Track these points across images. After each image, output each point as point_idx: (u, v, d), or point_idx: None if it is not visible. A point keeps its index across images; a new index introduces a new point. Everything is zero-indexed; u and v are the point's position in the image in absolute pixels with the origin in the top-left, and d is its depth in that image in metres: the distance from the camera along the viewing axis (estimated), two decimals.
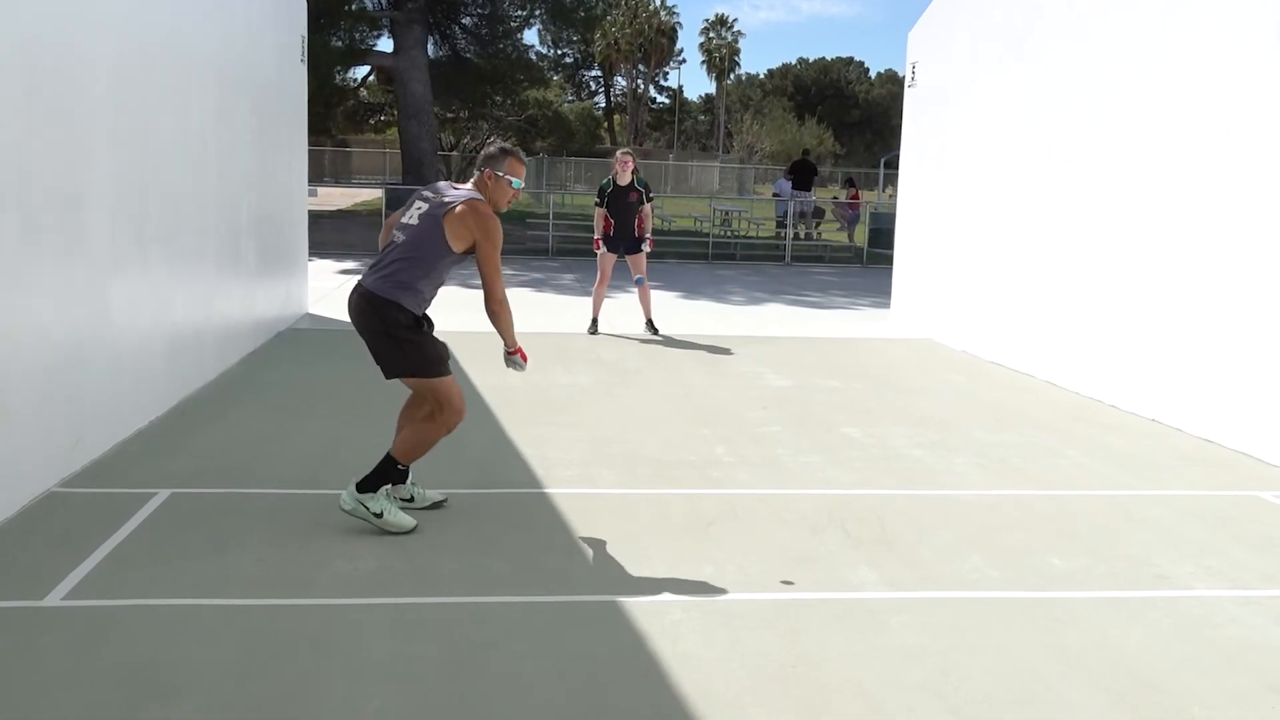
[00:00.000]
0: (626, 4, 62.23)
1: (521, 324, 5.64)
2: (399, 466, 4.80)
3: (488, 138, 44.40)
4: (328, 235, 21.38)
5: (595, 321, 11.21)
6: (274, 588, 4.16)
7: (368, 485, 4.72)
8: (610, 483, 5.69)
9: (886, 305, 13.21)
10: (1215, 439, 7.00)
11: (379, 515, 4.70)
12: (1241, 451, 6.74)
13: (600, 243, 10.99)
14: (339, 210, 30.06)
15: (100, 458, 5.79)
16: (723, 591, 4.26)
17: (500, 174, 4.88)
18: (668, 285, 11.06)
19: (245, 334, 9.06)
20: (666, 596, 4.19)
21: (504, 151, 4.95)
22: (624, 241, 10.92)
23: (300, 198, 11.65)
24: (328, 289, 14.25)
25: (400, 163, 31.55)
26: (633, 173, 10.89)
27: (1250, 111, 6.86)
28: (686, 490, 5.59)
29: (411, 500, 5.10)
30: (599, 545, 4.73)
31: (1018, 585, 4.44)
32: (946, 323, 11.14)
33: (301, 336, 10.38)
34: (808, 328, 12.03)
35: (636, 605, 4.09)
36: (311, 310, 12.09)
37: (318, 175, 39.59)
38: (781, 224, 23.91)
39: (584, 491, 5.50)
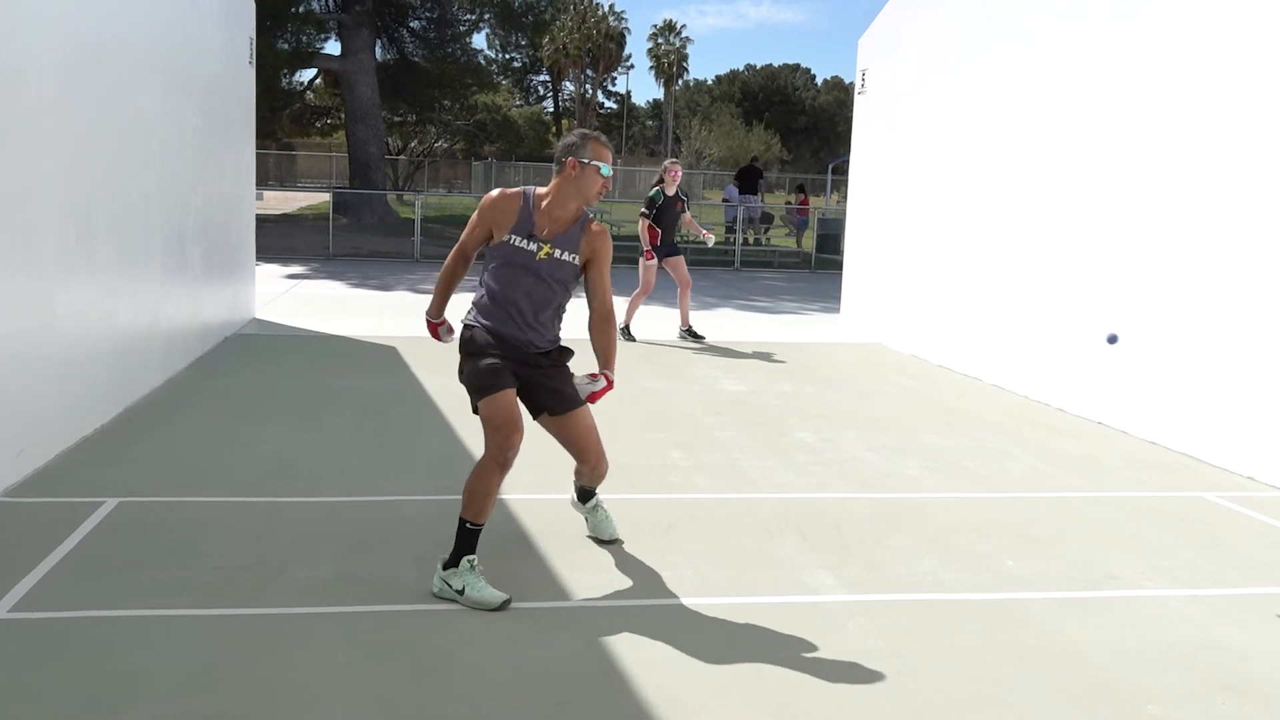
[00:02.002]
0: (575, 9, 62.23)
1: None
2: (469, 526, 4.16)
3: (435, 141, 44.27)
4: (273, 240, 21.14)
5: (628, 328, 11.11)
6: (227, 597, 4.09)
7: (451, 559, 4.17)
8: (568, 488, 5.66)
9: (835, 310, 13.32)
10: (1160, 441, 7.13)
11: (460, 592, 4.09)
12: (1185, 454, 6.87)
13: (651, 254, 10.96)
14: (284, 214, 29.75)
15: (45, 466, 5.68)
16: (682, 596, 4.26)
17: (585, 160, 4.26)
18: (618, 290, 11.10)
19: (192, 339, 8.93)
20: (626, 602, 4.19)
21: (585, 137, 4.34)
22: (665, 249, 10.99)
23: (248, 201, 11.51)
24: (275, 294, 14.09)
25: (347, 167, 31.26)
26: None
27: (1195, 117, 7.00)
28: (644, 495, 5.59)
29: (587, 524, 4.88)
30: (558, 551, 4.72)
31: (973, 587, 4.49)
32: (896, 327, 11.24)
33: (249, 342, 10.25)
34: (758, 332, 12.08)
35: (597, 611, 4.08)
36: (259, 315, 11.95)
37: (263, 179, 39.12)
38: (730, 229, 24.02)
39: (542, 497, 5.48)
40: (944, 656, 3.79)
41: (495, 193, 4.40)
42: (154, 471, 5.74)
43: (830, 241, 22.37)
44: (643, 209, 11.06)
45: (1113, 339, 4.68)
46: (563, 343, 4.53)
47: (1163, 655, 3.86)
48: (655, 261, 10.96)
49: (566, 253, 4.32)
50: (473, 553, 4.14)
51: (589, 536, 4.91)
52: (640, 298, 11.14)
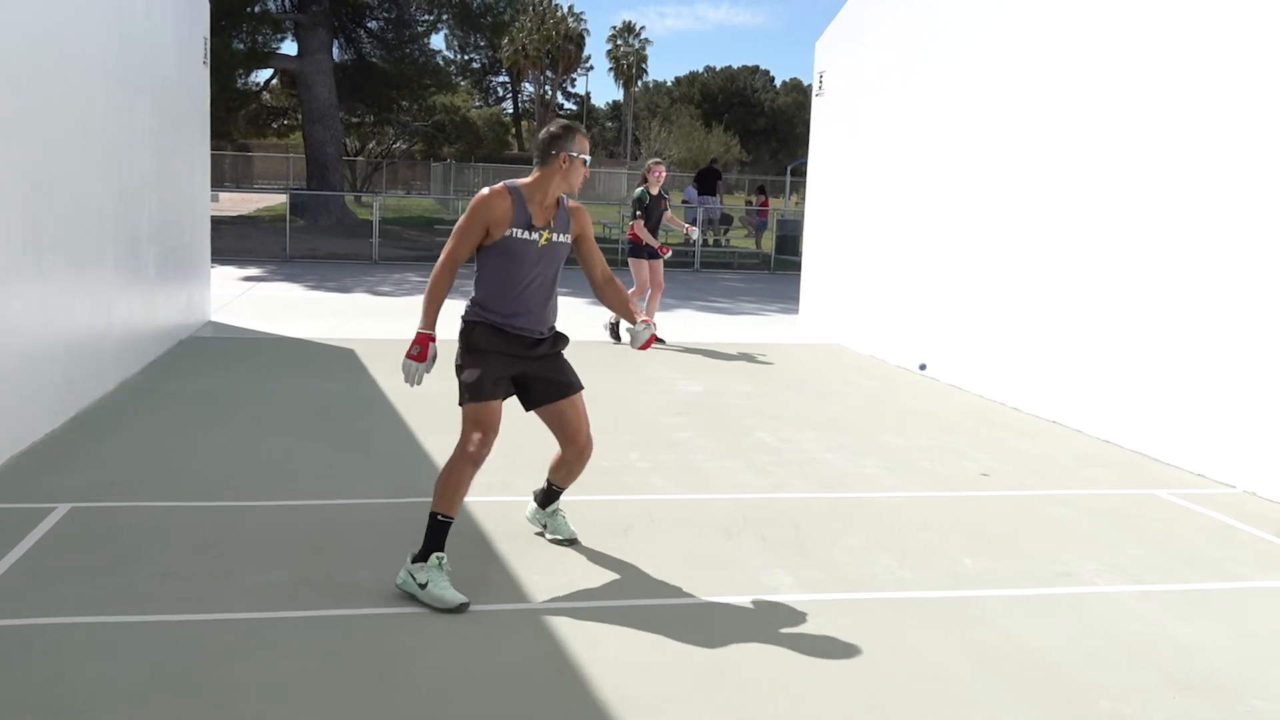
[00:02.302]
0: (534, 10, 62.10)
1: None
2: (440, 519, 4.22)
3: (393, 142, 44.02)
4: (229, 242, 20.95)
5: (614, 327, 11.16)
6: (180, 603, 4.05)
7: (421, 553, 4.22)
8: (525, 490, 5.64)
9: (794, 311, 13.38)
10: (1113, 440, 7.22)
11: (423, 586, 4.13)
12: (1138, 452, 6.97)
13: (667, 248, 11.09)
14: (241, 216, 29.47)
15: None
16: (642, 597, 4.27)
17: (574, 154, 4.38)
18: (575, 291, 11.08)
19: (146, 342, 8.83)
20: (585, 603, 4.18)
21: (569, 129, 4.42)
22: (649, 249, 11.08)
23: (203, 202, 11.39)
24: (230, 296, 13.96)
25: (304, 168, 31.03)
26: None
27: (1149, 115, 7.10)
28: (602, 496, 5.59)
29: (545, 529, 4.90)
30: (516, 552, 4.70)
31: (929, 585, 4.52)
32: (854, 328, 11.31)
33: (204, 345, 10.14)
34: (718, 333, 12.11)
35: (556, 612, 4.07)
36: (214, 318, 11.83)
37: (218, 180, 38.78)
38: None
39: (499, 499, 5.47)
40: (900, 654, 3.82)
41: (485, 193, 4.41)
42: (106, 477, 5.67)
43: (789, 243, 22.46)
44: (635, 212, 11.09)
45: (923, 367, 4.87)
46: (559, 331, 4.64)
47: (1115, 651, 3.91)
48: (639, 258, 11.07)
49: (561, 235, 4.47)
50: (442, 549, 4.20)
51: (548, 539, 4.90)
52: (654, 296, 11.18)
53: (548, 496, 4.92)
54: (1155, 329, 6.90)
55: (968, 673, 3.70)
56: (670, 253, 11.23)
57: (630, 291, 10.95)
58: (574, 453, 4.67)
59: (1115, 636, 4.04)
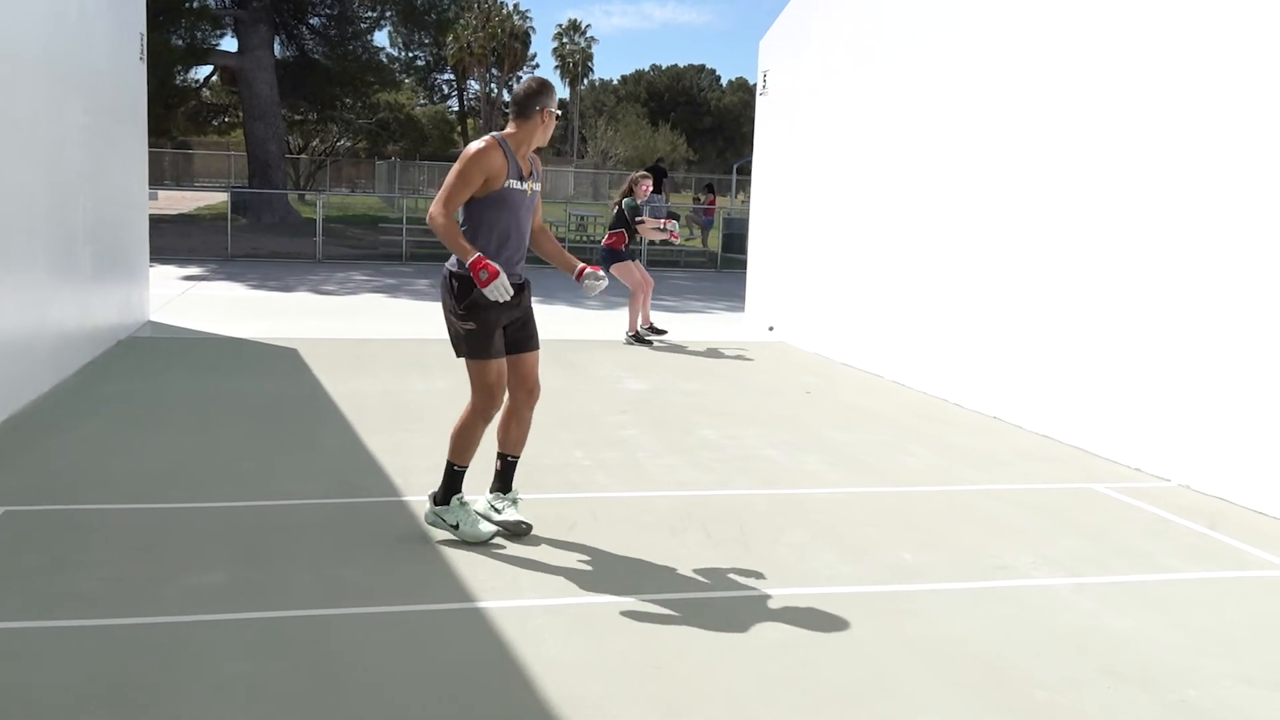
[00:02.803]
0: (479, 7, 61.76)
1: (376, 329, 5.55)
2: (455, 468, 4.78)
3: (337, 140, 43.59)
4: (170, 240, 20.64)
5: (638, 335, 11.27)
6: (117, 606, 3.99)
7: (440, 497, 4.79)
8: (469, 488, 5.61)
9: (740, 309, 13.44)
10: (1052, 435, 7.34)
11: (455, 527, 4.72)
12: (1076, 446, 7.08)
13: (623, 252, 11.28)
14: (181, 214, 29.04)
15: None
16: (585, 594, 4.27)
17: (553, 110, 4.72)
18: (571, 300, 11.12)
19: (82, 343, 8.67)
20: (528, 602, 4.18)
21: (546, 85, 4.72)
22: (630, 251, 11.34)
23: (140, 200, 11.20)
24: (171, 295, 13.75)
25: (246, 166, 30.64)
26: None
27: (1082, 114, 7.22)
28: (546, 495, 5.58)
29: (500, 513, 4.94)
30: (459, 552, 4.68)
31: (869, 580, 4.57)
32: (799, 326, 11.39)
33: (143, 345, 9.99)
34: (678, 335, 12.12)
35: (498, 611, 4.06)
36: (154, 318, 11.65)
37: (158, 178, 38.18)
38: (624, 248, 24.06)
39: None
40: (839, 648, 3.86)
41: (483, 145, 4.57)
42: (41, 479, 5.56)
43: (736, 241, 22.56)
44: (639, 217, 11.30)
45: (771, 329, 5.08)
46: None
47: (1049, 642, 3.98)
48: (627, 261, 11.27)
49: (537, 183, 4.80)
50: (459, 491, 4.75)
51: (501, 520, 4.90)
52: (644, 297, 11.31)
53: (503, 477, 4.98)
54: (1094, 327, 7.02)
55: (906, 666, 3.74)
56: (679, 239, 12.11)
57: (636, 298, 11.24)
58: (524, 396, 4.88)
59: (1051, 629, 4.11)
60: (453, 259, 4.62)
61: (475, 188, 4.55)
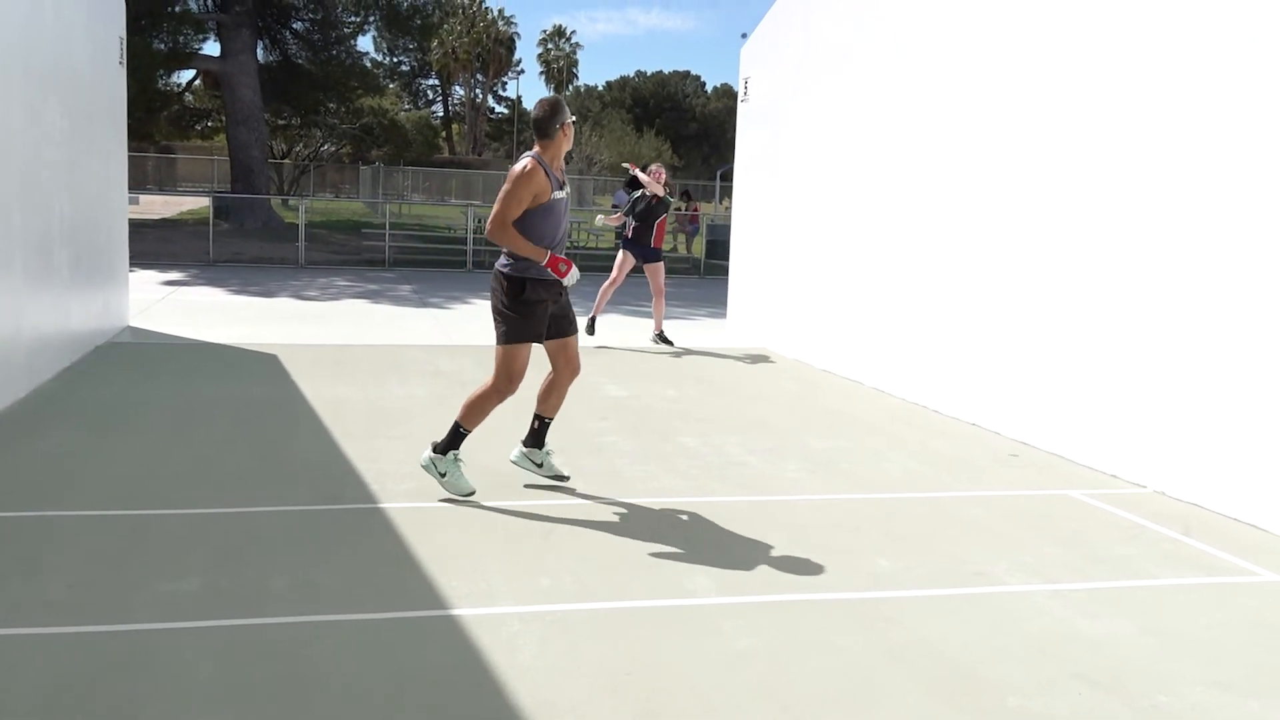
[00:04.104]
0: (464, 13, 61.78)
1: (357, 335, 5.57)
2: (461, 430, 5.42)
3: (321, 145, 43.48)
4: (151, 245, 20.57)
5: (594, 321, 11.37)
6: (88, 613, 3.96)
7: (440, 448, 5.45)
8: (446, 495, 5.62)
9: (723, 316, 13.46)
10: (1030, 441, 7.36)
11: (443, 475, 5.42)
12: (1054, 453, 7.11)
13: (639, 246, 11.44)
14: (163, 219, 28.93)
15: None
16: (560, 601, 4.26)
17: (569, 121, 5.47)
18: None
19: (59, 348, 8.62)
20: (504, 608, 4.17)
21: (559, 104, 5.47)
22: (643, 250, 11.42)
23: (120, 205, 11.15)
24: (150, 300, 13.70)
25: (229, 170, 30.54)
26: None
27: (1054, 118, 7.25)
28: (523, 501, 5.57)
29: (540, 466, 5.83)
30: (435, 559, 4.67)
31: (846, 586, 4.57)
32: (780, 332, 11.41)
33: (121, 351, 9.93)
34: (645, 337, 12.14)
35: (474, 618, 4.05)
36: (133, 323, 11.60)
37: (140, 183, 38.04)
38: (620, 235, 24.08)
39: (419, 505, 5.42)
40: (815, 655, 3.86)
41: (529, 167, 5.28)
42: (15, 485, 5.52)
43: (719, 247, 22.59)
44: (639, 188, 11.41)
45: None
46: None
47: (1024, 648, 3.99)
48: (624, 253, 11.50)
49: (568, 187, 5.56)
50: (458, 449, 5.43)
51: (542, 477, 5.83)
52: (611, 289, 11.53)
53: (538, 435, 5.81)
54: (1072, 334, 7.05)
55: (880, 672, 3.74)
56: (621, 254, 11.74)
57: (606, 284, 11.40)
58: (569, 373, 5.66)
59: (1025, 634, 4.12)
60: (502, 259, 5.40)
61: (526, 204, 5.29)
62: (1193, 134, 6.15)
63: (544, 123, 5.37)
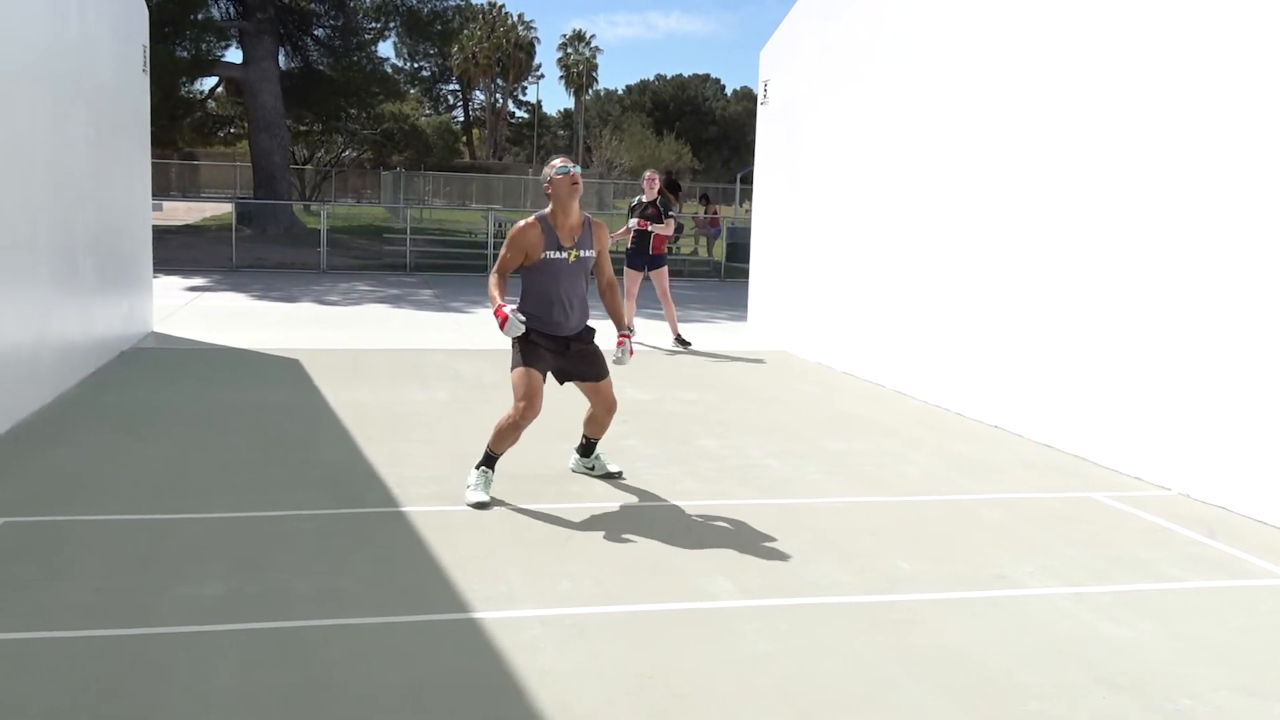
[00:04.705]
0: (484, 18, 62.00)
1: (378, 340, 5.62)
2: (489, 454, 5.60)
3: (342, 151, 43.72)
4: (175, 251, 20.71)
5: (679, 338, 11.69)
6: (113, 617, 3.99)
7: (479, 463, 5.63)
8: (460, 499, 5.63)
9: (743, 318, 13.44)
10: (1053, 444, 7.32)
11: (469, 485, 5.58)
12: (1077, 455, 7.07)
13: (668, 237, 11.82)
14: (186, 225, 29.13)
15: None
16: (581, 605, 4.26)
17: (550, 177, 5.54)
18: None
19: (85, 354, 8.70)
20: (525, 611, 4.18)
21: (545, 164, 5.66)
22: (643, 259, 11.65)
23: (144, 211, 11.25)
24: (174, 306, 13.80)
25: (251, 176, 30.73)
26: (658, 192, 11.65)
27: (1076, 122, 7.21)
28: (544, 505, 5.58)
29: (593, 469, 6.15)
30: (456, 562, 4.68)
31: (867, 589, 4.56)
32: (801, 335, 11.39)
33: (146, 356, 10.01)
34: (666, 341, 12.14)
35: (494, 621, 4.06)
36: (157, 329, 11.69)
37: (163, 189, 38.24)
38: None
39: (440, 509, 5.44)
40: (834, 658, 3.85)
41: (522, 225, 5.52)
42: (40, 490, 5.58)
43: (740, 250, 22.58)
44: (627, 215, 11.77)
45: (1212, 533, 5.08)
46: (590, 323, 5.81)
47: (1045, 652, 3.96)
48: (629, 270, 11.70)
49: (586, 250, 5.61)
50: (490, 467, 5.61)
51: (595, 475, 6.14)
52: (629, 305, 11.65)
53: (586, 448, 6.15)
54: (1094, 336, 7.01)
55: (900, 676, 3.73)
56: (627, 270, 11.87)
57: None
58: (603, 411, 5.88)
59: (1047, 638, 4.09)
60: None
61: (516, 259, 5.52)
62: (1216, 138, 6.11)
63: (544, 185, 5.60)
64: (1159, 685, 3.72)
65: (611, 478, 6.12)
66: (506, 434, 5.53)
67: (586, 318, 5.76)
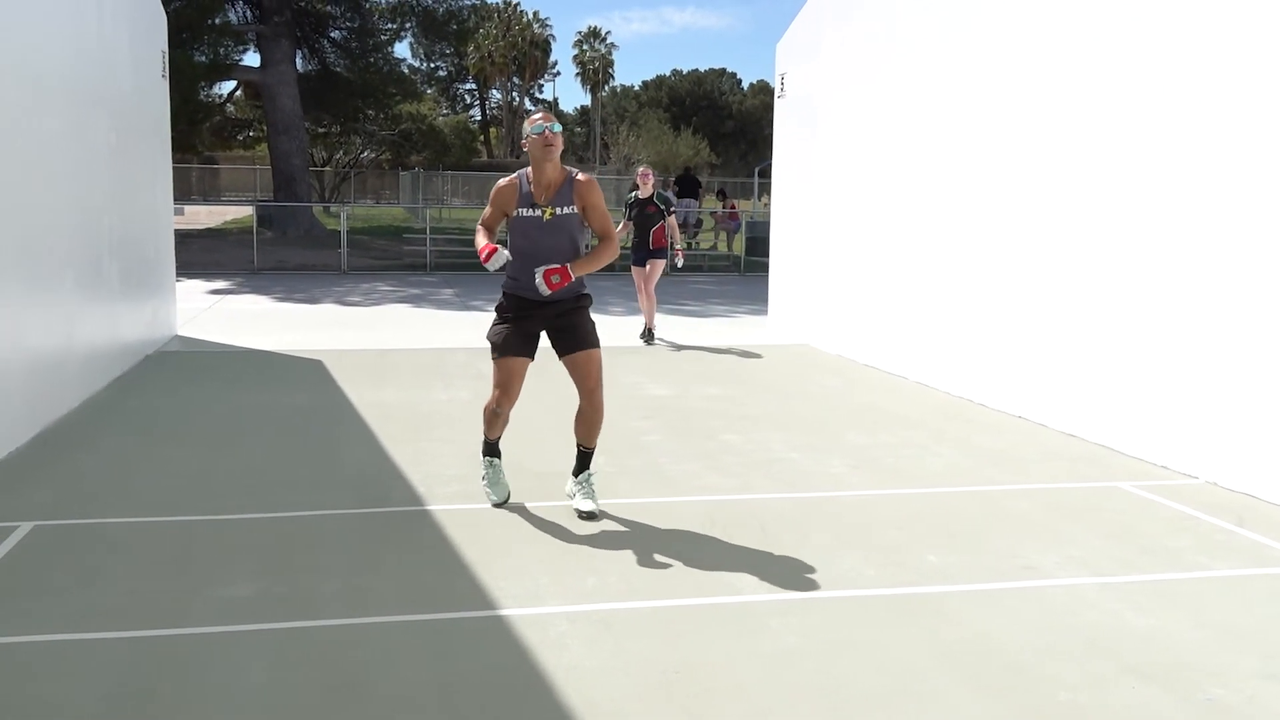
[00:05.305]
0: (499, 17, 62.08)
1: (400, 340, 5.64)
2: (487, 440, 5.54)
3: (361, 152, 43.87)
4: (197, 255, 20.84)
5: (649, 331, 11.68)
6: (144, 619, 4.03)
7: (484, 451, 5.59)
8: (482, 499, 5.65)
9: (764, 312, 13.43)
10: (1078, 434, 7.29)
11: (483, 479, 5.57)
12: (1102, 445, 7.03)
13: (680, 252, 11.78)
14: (208, 229, 29.30)
15: None
16: (607, 601, 4.28)
17: (525, 136, 5.27)
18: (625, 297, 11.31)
19: (111, 358, 8.77)
20: (551, 608, 4.19)
21: (525, 120, 5.48)
22: (645, 252, 11.63)
23: (166, 216, 11.33)
24: (197, 310, 13.88)
25: (271, 179, 30.87)
26: (653, 187, 11.63)
27: (1099, 111, 7.17)
28: (569, 502, 5.59)
29: (571, 497, 5.55)
30: (482, 560, 4.71)
31: (893, 582, 4.55)
32: (822, 328, 11.37)
33: (170, 360, 10.08)
34: (687, 336, 12.15)
35: (521, 618, 4.08)
36: (181, 332, 11.77)
37: (184, 193, 38.51)
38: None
39: (465, 508, 5.47)
40: (862, 652, 3.85)
41: (502, 181, 5.37)
42: (70, 494, 5.63)
43: (759, 244, 22.54)
44: (623, 210, 11.79)
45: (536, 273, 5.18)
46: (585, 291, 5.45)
47: (1074, 643, 3.95)
48: (634, 266, 11.71)
49: (564, 207, 5.27)
50: (495, 454, 5.54)
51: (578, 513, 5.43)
52: (643, 298, 11.66)
53: (579, 461, 5.53)
54: (1120, 323, 6.97)
55: (929, 668, 3.73)
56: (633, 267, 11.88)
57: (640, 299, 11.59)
58: (584, 398, 5.40)
59: (1075, 628, 4.08)
60: (504, 280, 5.39)
61: (496, 214, 5.38)
62: (1236, 127, 6.06)
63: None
64: (1189, 675, 3.70)
65: (584, 518, 5.35)
66: (489, 420, 5.48)
67: (579, 287, 5.36)
